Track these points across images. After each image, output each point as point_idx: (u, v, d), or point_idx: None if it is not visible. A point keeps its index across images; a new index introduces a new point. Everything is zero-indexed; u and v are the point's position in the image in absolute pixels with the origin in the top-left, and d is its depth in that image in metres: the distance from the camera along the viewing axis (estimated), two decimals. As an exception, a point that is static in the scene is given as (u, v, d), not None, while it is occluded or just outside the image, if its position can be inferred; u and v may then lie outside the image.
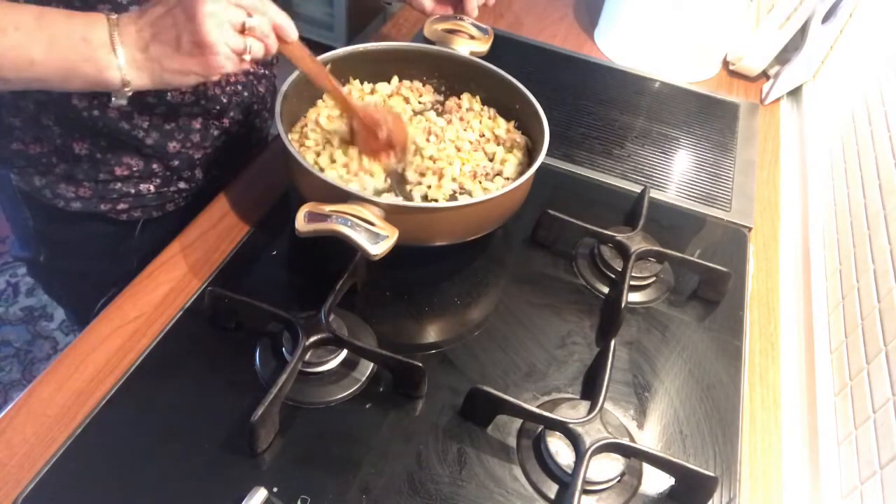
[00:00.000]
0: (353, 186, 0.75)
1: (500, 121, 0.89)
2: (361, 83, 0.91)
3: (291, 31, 0.65)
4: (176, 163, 0.86)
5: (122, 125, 0.80)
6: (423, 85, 0.95)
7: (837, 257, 0.86)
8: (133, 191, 0.86)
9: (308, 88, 0.86)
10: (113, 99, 0.64)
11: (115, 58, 0.60)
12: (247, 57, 0.62)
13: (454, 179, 0.81)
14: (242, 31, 0.61)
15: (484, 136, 0.88)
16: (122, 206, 0.87)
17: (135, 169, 0.84)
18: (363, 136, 0.77)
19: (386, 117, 0.77)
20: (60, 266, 0.94)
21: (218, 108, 0.86)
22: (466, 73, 0.91)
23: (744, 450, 0.70)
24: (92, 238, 0.90)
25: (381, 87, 0.93)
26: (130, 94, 0.63)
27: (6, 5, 0.60)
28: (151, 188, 0.87)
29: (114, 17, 0.61)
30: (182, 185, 0.90)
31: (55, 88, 0.64)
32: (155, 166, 0.86)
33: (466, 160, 0.83)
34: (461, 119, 0.88)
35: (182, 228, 0.82)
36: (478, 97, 0.92)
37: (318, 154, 0.81)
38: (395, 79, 0.94)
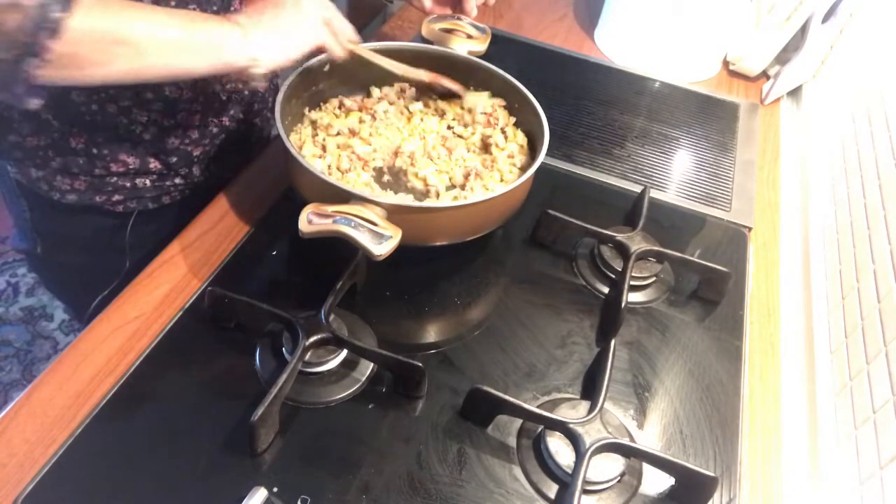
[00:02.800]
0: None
1: (520, 135, 0.88)
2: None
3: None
4: (174, 159, 0.87)
5: (120, 120, 0.80)
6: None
7: (837, 257, 0.86)
8: (129, 184, 0.86)
9: (308, 89, 0.86)
10: (254, 71, 0.68)
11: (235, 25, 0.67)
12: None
13: (454, 184, 0.80)
14: None
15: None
16: (117, 197, 0.87)
17: (131, 166, 0.84)
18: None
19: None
20: (56, 259, 0.95)
21: (217, 105, 0.86)
22: (466, 72, 0.91)
23: (744, 450, 0.70)
24: (87, 231, 0.90)
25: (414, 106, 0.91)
26: (260, 62, 0.68)
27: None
28: (147, 182, 0.87)
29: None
30: (178, 180, 0.90)
31: (186, 68, 0.67)
32: (152, 163, 0.86)
33: (468, 161, 0.83)
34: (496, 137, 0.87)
35: (177, 222, 0.82)
36: (513, 119, 0.89)
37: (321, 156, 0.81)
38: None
